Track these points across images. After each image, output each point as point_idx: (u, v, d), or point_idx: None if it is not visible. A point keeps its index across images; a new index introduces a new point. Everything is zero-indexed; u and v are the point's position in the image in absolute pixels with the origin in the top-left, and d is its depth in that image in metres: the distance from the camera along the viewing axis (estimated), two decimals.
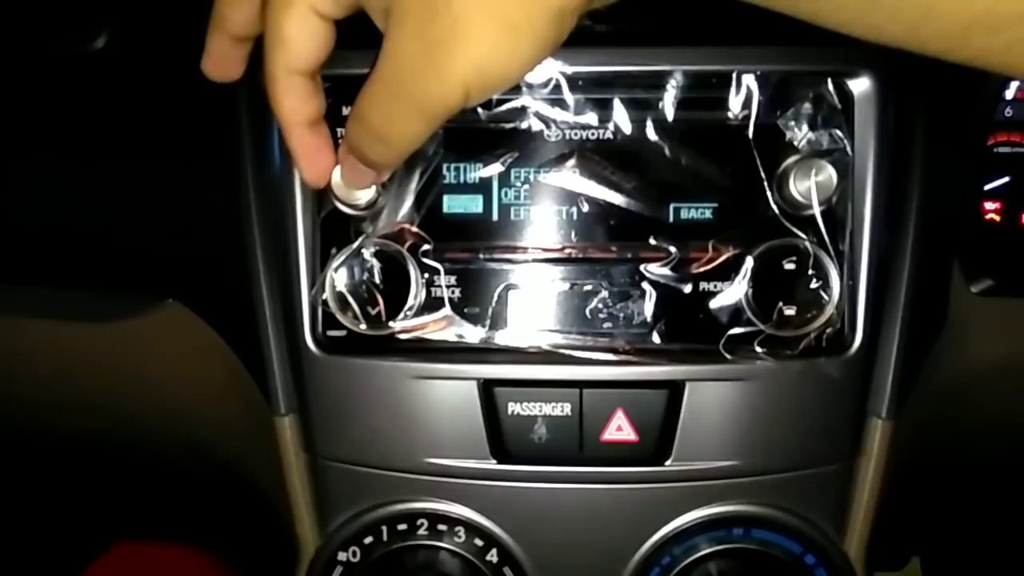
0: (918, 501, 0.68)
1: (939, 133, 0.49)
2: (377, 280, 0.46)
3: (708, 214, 0.47)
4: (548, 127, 0.46)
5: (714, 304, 0.47)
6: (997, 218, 0.57)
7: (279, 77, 0.35)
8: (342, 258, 0.46)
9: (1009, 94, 0.55)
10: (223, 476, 0.63)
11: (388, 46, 0.31)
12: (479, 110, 0.46)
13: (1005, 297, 0.52)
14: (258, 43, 0.36)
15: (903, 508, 0.57)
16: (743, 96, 0.45)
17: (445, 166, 0.47)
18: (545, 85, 0.46)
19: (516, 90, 0.46)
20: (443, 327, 0.47)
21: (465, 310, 0.47)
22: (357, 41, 0.46)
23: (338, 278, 0.46)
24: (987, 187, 0.56)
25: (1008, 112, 0.55)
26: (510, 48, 0.30)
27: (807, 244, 0.45)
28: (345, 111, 0.46)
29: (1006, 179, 0.56)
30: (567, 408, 0.47)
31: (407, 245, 0.46)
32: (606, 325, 0.47)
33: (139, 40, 0.52)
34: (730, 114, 0.45)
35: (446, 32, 0.29)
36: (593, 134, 0.46)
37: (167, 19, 0.52)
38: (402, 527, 0.50)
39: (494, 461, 0.48)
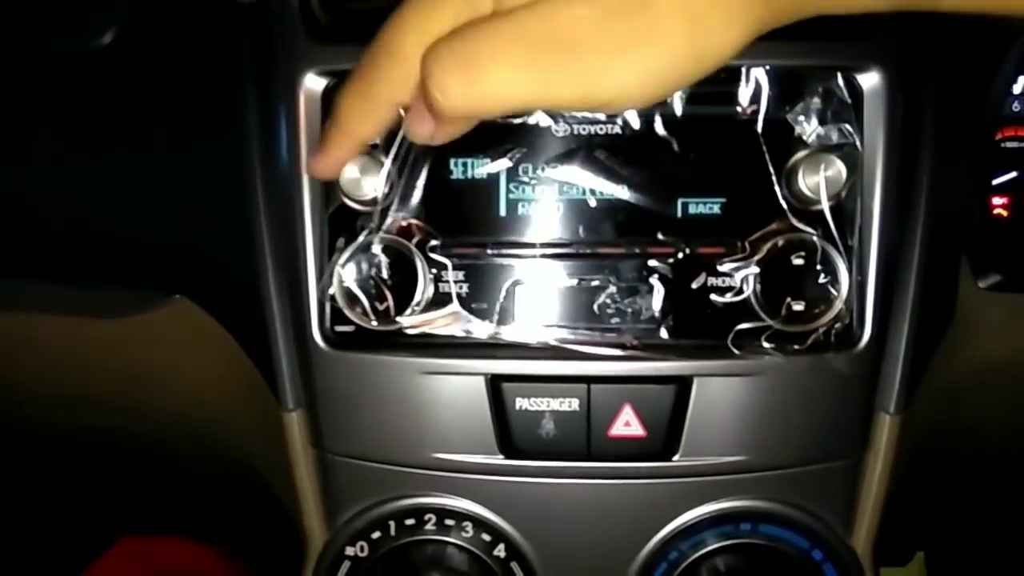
0: (924, 496, 0.69)
1: (948, 128, 0.49)
2: (385, 275, 0.46)
3: (716, 209, 0.47)
4: (556, 122, 0.46)
5: (722, 299, 0.46)
6: (1005, 213, 0.56)
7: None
8: (349, 253, 0.46)
9: (1017, 88, 0.54)
10: (231, 471, 0.63)
11: None
12: None
13: (1013, 292, 0.52)
14: None
15: (910, 503, 0.57)
16: (752, 90, 0.45)
17: (452, 161, 0.47)
18: None
19: None
20: (451, 322, 0.47)
21: (473, 305, 0.47)
22: (360, 36, 0.47)
23: (346, 273, 0.46)
24: (995, 182, 0.56)
25: (1016, 107, 0.55)
26: None
27: (815, 239, 0.45)
28: None
29: (1014, 174, 0.56)
30: (575, 403, 0.47)
31: (415, 240, 0.46)
32: (614, 320, 0.47)
33: (147, 35, 0.52)
34: (739, 108, 0.45)
35: None
36: (601, 129, 0.46)
37: (175, 15, 0.52)
38: (410, 522, 0.50)
39: (502, 456, 0.48)
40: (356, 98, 0.36)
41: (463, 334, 0.47)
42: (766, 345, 0.46)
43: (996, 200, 0.56)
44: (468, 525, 0.50)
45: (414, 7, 0.34)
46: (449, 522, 0.50)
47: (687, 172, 0.46)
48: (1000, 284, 0.52)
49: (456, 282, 0.47)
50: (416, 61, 0.33)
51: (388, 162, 0.45)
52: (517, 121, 0.46)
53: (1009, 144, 0.55)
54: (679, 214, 0.47)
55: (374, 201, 0.46)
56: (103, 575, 0.93)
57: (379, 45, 0.35)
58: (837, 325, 0.46)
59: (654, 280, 0.47)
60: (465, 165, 0.47)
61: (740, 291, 0.46)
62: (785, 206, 0.45)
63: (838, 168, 0.44)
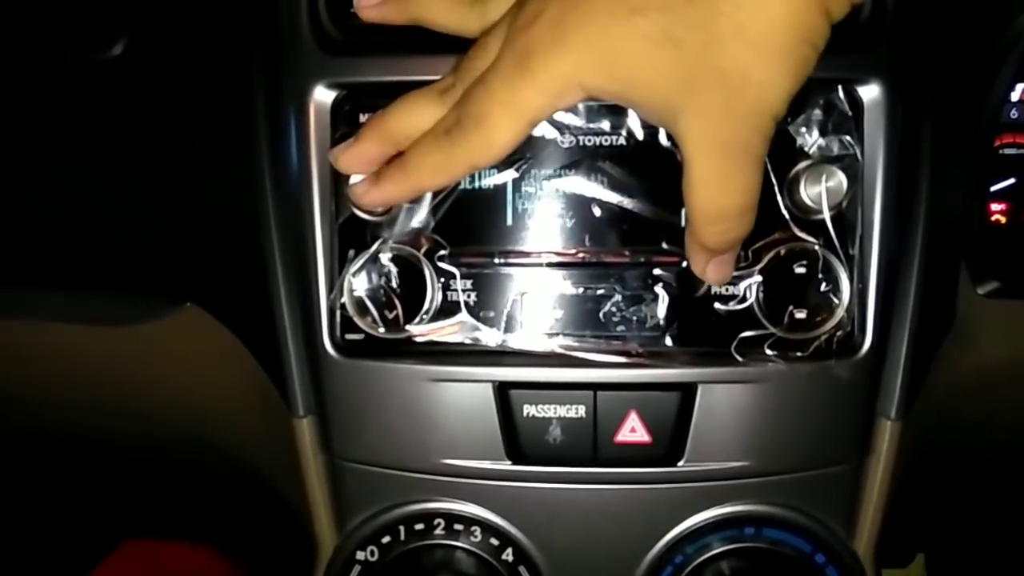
0: (924, 497, 0.69)
1: (947, 137, 0.49)
2: (394, 284, 0.46)
3: None
4: (562, 133, 0.47)
5: (725, 307, 0.47)
6: (1003, 219, 0.57)
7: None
8: (360, 263, 0.46)
9: (1015, 96, 0.55)
10: (240, 477, 0.64)
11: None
12: None
13: (1012, 299, 0.53)
14: None
15: (910, 506, 0.58)
16: None
17: None
18: None
19: None
20: (459, 330, 0.48)
21: (481, 314, 0.48)
22: (369, 49, 0.47)
23: (356, 283, 0.46)
24: (993, 188, 0.56)
25: (1014, 114, 0.55)
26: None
27: (817, 248, 0.46)
28: (362, 118, 0.47)
29: (1012, 180, 0.56)
30: (581, 410, 0.48)
31: (423, 250, 0.47)
32: (619, 328, 0.48)
33: (157, 46, 0.52)
34: None
35: None
36: (606, 140, 0.47)
37: (185, 25, 0.53)
38: (419, 527, 0.51)
39: (509, 462, 0.49)
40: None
41: (471, 342, 0.48)
42: (769, 352, 0.47)
43: (994, 207, 0.57)
44: (476, 530, 0.51)
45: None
46: (458, 527, 0.51)
47: None
48: (999, 291, 0.53)
49: (464, 291, 0.48)
50: None
51: None
52: None
53: (1007, 151, 0.56)
54: (683, 223, 0.47)
55: (384, 212, 0.46)
56: None
57: None
58: (839, 332, 0.46)
59: (659, 288, 0.47)
60: (473, 176, 0.48)
61: (743, 299, 0.47)
62: (787, 216, 0.46)
63: (839, 179, 0.45)
